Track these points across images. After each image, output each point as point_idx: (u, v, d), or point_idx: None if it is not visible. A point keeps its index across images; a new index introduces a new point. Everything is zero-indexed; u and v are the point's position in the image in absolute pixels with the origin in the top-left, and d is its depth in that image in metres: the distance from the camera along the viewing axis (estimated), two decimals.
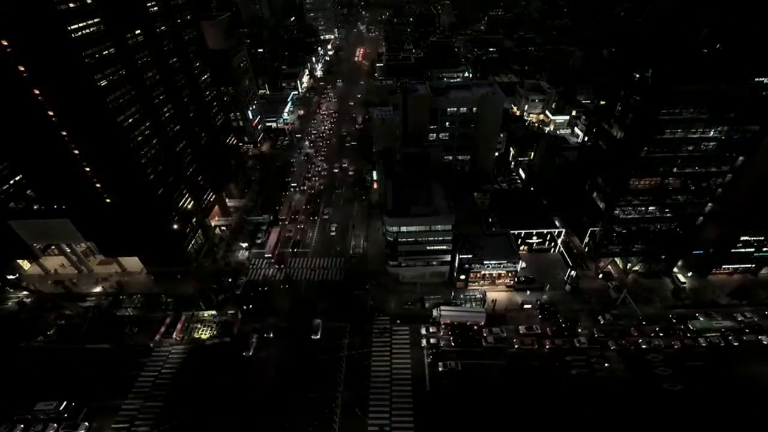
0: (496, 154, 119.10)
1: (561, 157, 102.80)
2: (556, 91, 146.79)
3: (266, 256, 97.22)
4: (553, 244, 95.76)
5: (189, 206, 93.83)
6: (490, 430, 63.19)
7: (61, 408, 65.62)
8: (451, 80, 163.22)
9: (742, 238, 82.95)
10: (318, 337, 77.25)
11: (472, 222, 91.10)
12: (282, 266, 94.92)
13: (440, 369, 71.55)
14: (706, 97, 68.08)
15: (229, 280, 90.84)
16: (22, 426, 65.00)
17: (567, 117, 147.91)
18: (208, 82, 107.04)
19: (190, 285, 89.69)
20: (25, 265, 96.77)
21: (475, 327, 78.66)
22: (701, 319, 78.82)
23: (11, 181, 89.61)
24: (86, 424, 65.15)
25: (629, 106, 75.61)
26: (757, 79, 67.05)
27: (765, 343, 74.61)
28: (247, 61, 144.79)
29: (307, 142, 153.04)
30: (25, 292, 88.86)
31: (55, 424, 64.69)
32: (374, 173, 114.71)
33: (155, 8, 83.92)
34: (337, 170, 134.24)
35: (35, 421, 65.22)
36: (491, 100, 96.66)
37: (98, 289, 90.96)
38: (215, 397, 68.20)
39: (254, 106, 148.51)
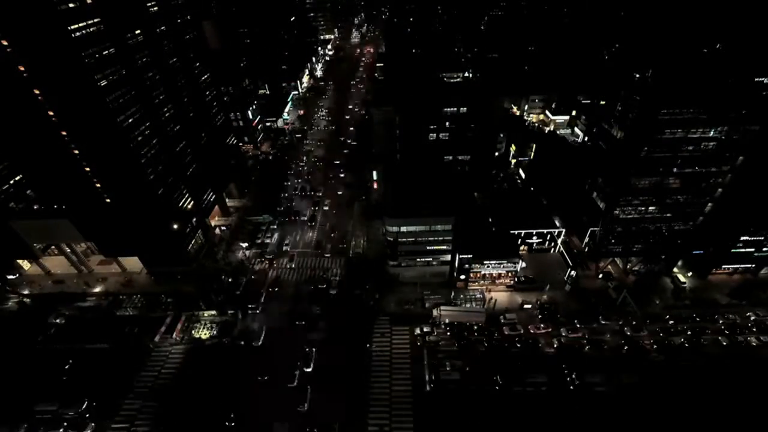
0: (496, 154, 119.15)
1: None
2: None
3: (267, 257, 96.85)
4: (553, 244, 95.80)
5: (189, 206, 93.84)
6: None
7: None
8: (452, 80, 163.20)
9: (742, 238, 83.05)
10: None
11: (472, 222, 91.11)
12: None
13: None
14: (705, 97, 68.12)
15: (229, 279, 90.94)
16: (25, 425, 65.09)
17: (567, 117, 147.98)
18: (208, 82, 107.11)
19: (190, 285, 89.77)
20: (26, 265, 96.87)
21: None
22: None
23: (11, 181, 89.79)
24: (93, 425, 65.30)
25: (629, 106, 75.69)
26: (757, 79, 67.09)
27: None
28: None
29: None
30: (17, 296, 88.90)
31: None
32: (374, 173, 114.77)
33: (155, 8, 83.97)
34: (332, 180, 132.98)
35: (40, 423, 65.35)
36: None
37: (98, 289, 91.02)
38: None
39: (254, 107, 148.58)
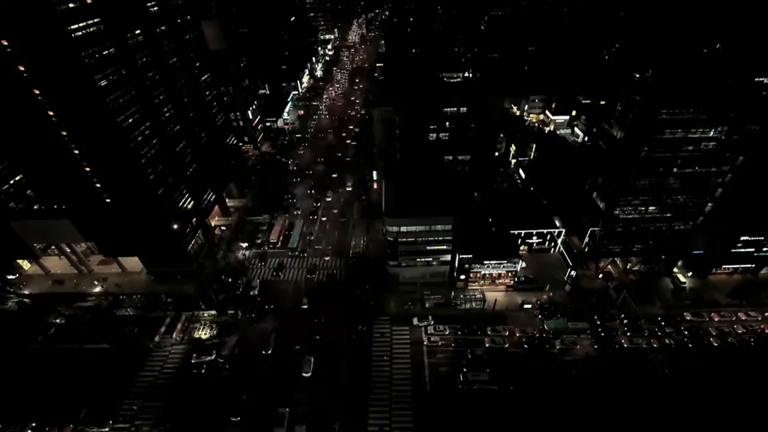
0: (496, 154, 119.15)
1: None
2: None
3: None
4: (553, 244, 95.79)
5: (189, 206, 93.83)
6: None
7: None
8: (452, 80, 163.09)
9: (742, 238, 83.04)
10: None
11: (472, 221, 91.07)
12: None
13: None
14: (705, 97, 68.13)
15: (229, 279, 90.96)
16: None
17: (567, 117, 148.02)
18: (208, 82, 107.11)
19: (190, 285, 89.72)
20: (26, 265, 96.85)
21: None
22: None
23: (11, 181, 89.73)
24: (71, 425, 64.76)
25: (629, 106, 75.70)
26: (757, 79, 67.13)
27: None
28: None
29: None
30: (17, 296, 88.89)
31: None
32: (374, 173, 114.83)
33: (155, 8, 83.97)
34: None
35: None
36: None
37: (98, 289, 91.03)
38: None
39: (254, 107, 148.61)
